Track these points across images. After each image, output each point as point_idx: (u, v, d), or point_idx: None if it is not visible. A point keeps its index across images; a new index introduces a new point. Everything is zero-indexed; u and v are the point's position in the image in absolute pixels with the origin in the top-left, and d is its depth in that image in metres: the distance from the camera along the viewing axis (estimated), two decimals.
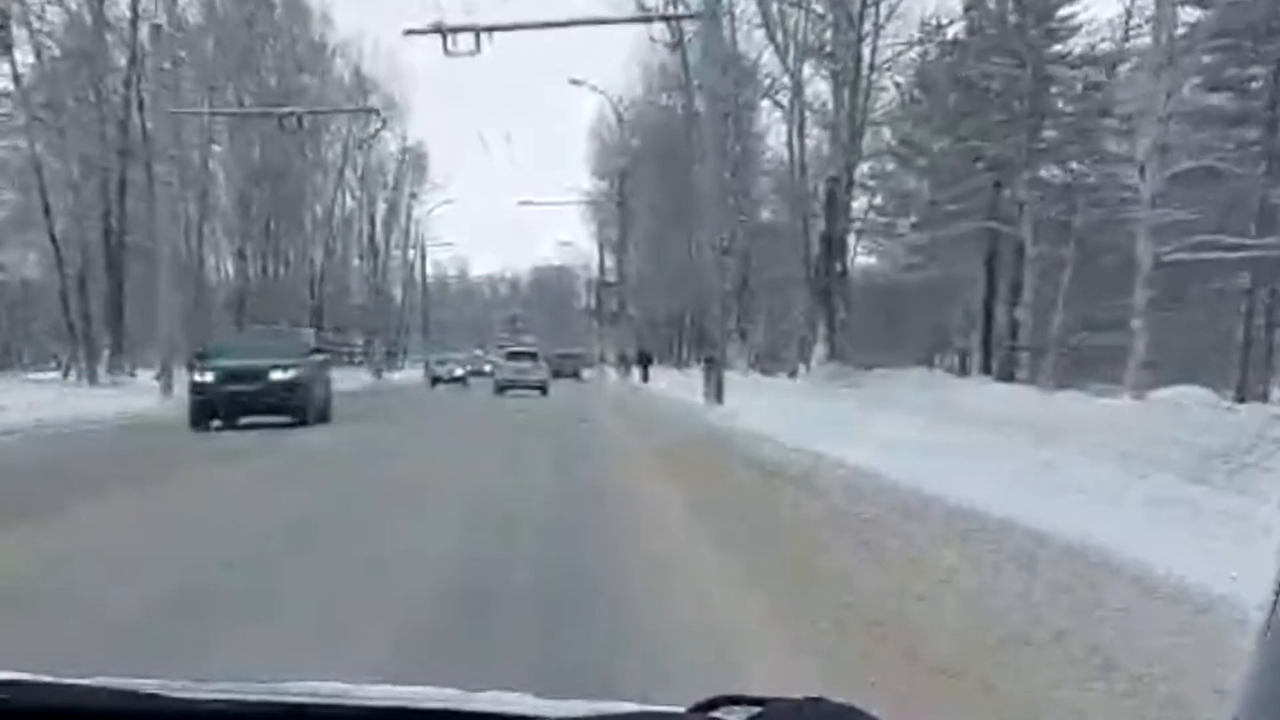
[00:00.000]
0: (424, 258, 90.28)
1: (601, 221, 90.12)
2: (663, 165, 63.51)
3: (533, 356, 48.25)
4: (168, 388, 32.49)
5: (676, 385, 42.34)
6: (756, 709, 1.28)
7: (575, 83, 56.74)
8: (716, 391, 25.98)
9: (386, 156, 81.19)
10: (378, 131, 65.17)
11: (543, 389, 43.56)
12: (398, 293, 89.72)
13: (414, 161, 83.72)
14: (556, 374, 52.99)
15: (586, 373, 68.95)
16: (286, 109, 42.15)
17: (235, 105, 51.26)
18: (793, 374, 41.60)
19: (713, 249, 28.65)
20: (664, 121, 64.36)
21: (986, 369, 31.28)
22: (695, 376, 47.09)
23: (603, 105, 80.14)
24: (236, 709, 1.36)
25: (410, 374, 73.60)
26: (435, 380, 59.27)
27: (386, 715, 1.34)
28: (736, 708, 1.30)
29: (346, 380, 55.39)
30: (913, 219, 40.60)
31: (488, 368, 67.45)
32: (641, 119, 70.39)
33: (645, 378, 48.39)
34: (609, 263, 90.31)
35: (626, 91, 69.72)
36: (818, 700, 1.27)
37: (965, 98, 34.95)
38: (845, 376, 31.03)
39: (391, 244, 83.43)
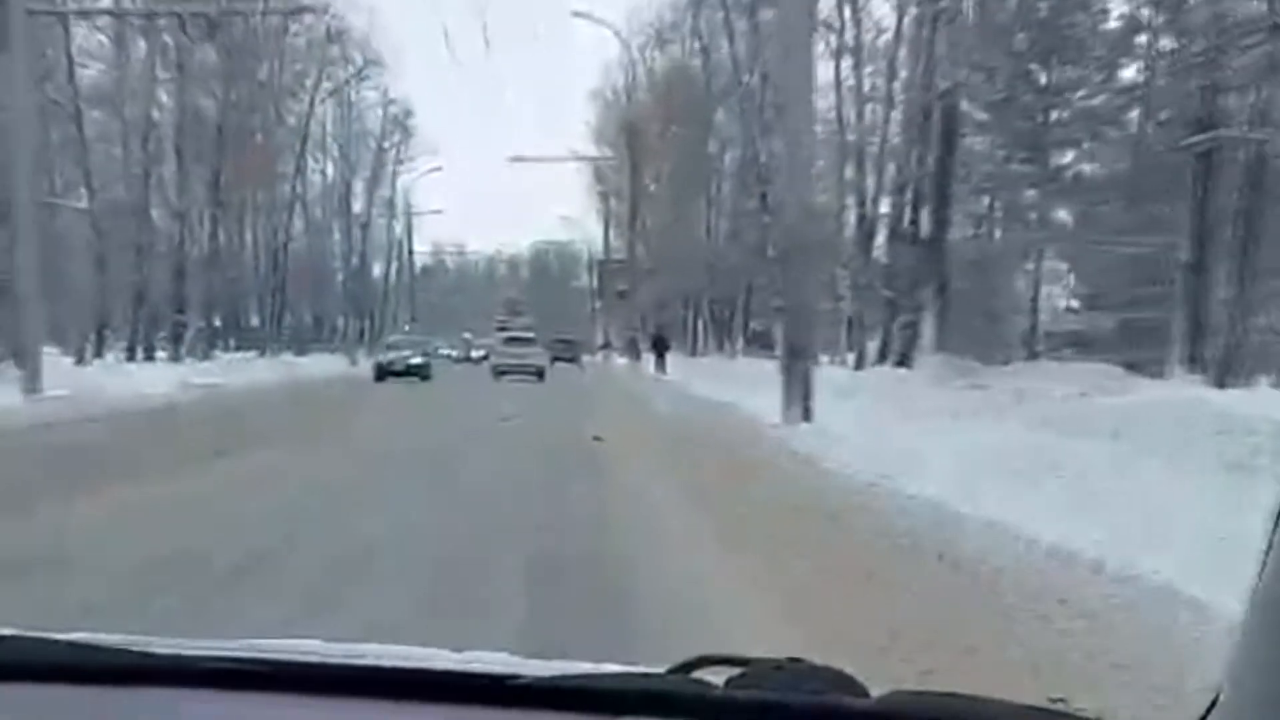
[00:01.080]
0: (410, 231, 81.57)
1: (605, 193, 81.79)
2: (676, 124, 55.09)
3: (530, 342, 48.75)
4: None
5: (701, 376, 34.02)
6: (737, 669, 1.29)
7: (579, 15, 48.50)
8: (802, 400, 16.83)
9: (368, 116, 72.65)
10: (333, 37, 56.06)
11: (540, 374, 43.59)
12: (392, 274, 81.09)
13: (399, 123, 75.10)
14: (555, 360, 52.48)
15: (587, 359, 65.64)
16: (194, 9, 33.54)
17: (166, 41, 42.37)
18: (858, 365, 33.07)
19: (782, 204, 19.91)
20: (677, 72, 56.03)
21: (1192, 364, 22.24)
22: (729, 368, 39.07)
23: (607, 67, 71.81)
24: (223, 666, 1.37)
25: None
26: (382, 373, 42.97)
27: (369, 674, 1.37)
28: (717, 667, 1.31)
29: (311, 367, 47.79)
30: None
31: (477, 354, 59.74)
32: (650, 76, 62.29)
33: (662, 367, 40.01)
34: (614, 240, 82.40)
35: (633, 40, 61.43)
36: (797, 660, 1.31)
37: None
38: (963, 374, 22.40)
39: (374, 215, 74.54)
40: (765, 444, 15.38)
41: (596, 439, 16.96)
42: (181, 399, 26.68)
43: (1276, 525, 0.96)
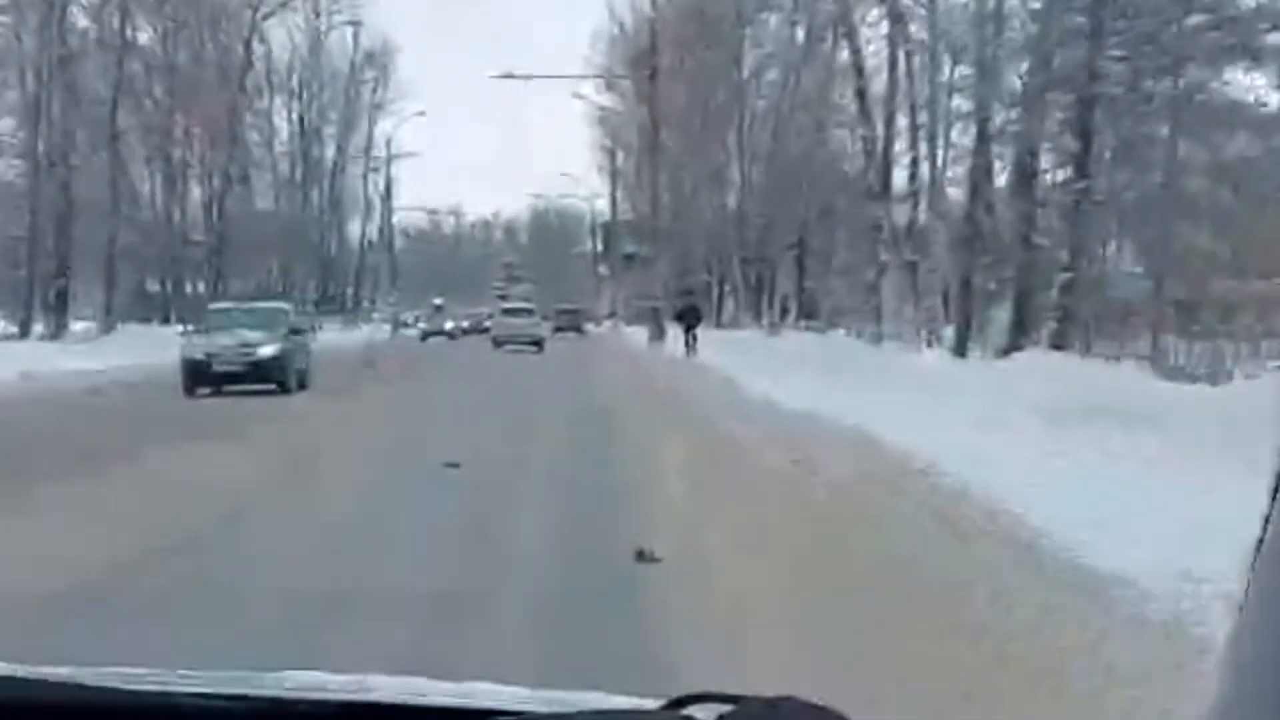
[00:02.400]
0: (389, 187, 72.28)
1: (612, 149, 72.73)
2: (697, 47, 45.95)
3: (529, 313, 49.12)
4: None
5: (743, 358, 25.24)
6: (728, 707, 1.28)
7: None
8: None
9: (341, 55, 63.48)
10: None
11: (539, 345, 43.81)
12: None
13: (375, 60, 65.82)
14: (556, 330, 53.39)
15: (592, 329, 63.64)
16: None
17: None
18: (961, 349, 24.07)
19: None
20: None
21: None
22: (775, 347, 30.34)
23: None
24: (214, 703, 1.34)
25: (355, 337, 56.57)
26: (195, 376, 24.12)
27: (366, 710, 1.35)
28: (708, 705, 1.30)
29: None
30: None
31: (451, 324, 51.51)
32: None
33: (691, 345, 30.99)
34: (621, 201, 73.77)
35: None
36: (789, 699, 1.29)
37: None
38: (1073, 377, 13.96)
39: (347, 164, 65.36)
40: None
41: (644, 557, 7.73)
42: None
43: (1265, 532, 0.91)
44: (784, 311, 41.79)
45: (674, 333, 33.48)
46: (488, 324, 60.37)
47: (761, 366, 22.80)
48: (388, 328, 63.11)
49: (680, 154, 48.35)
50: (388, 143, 69.59)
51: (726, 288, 47.60)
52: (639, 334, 50.33)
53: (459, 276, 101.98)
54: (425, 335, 54.97)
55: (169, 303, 49.58)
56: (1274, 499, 0.90)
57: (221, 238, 49.85)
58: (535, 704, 1.36)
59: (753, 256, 42.76)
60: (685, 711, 1.31)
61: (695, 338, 31.87)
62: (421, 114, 66.80)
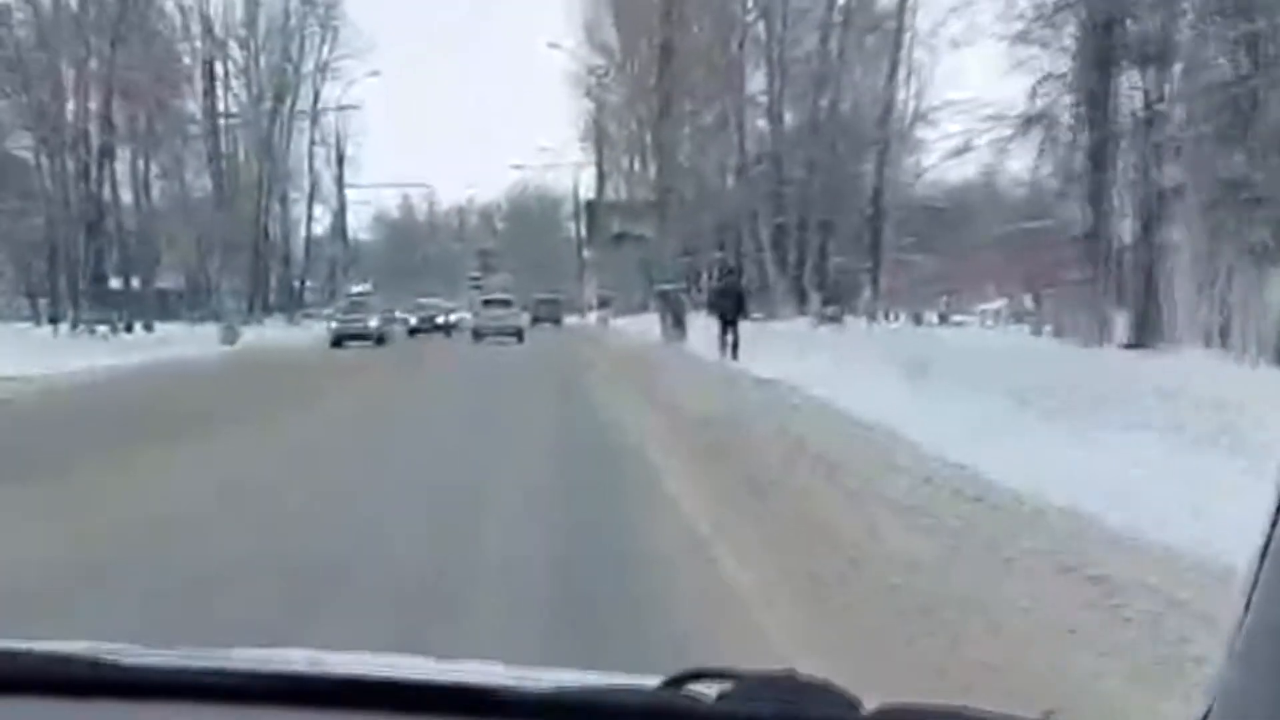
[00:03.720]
0: (341, 158, 62.27)
1: (598, 119, 63.45)
2: None
3: (508, 304, 49.37)
4: None
5: (812, 365, 16.10)
6: (728, 682, 1.28)
7: None
8: None
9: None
10: None
11: (519, 336, 44.69)
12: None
13: (320, 14, 56.11)
14: (535, 320, 53.25)
15: (576, 321, 61.84)
16: None
17: None
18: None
19: None
20: None
21: None
22: (849, 349, 21.10)
23: None
24: (199, 678, 1.36)
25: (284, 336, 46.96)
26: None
27: (352, 686, 1.35)
28: (708, 681, 1.30)
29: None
30: None
31: (377, 322, 41.17)
32: None
33: (731, 346, 21.36)
34: (611, 174, 64.39)
35: None
36: (789, 673, 1.30)
37: None
38: None
39: (286, 131, 55.68)
40: None
41: None
42: None
43: (1266, 548, 0.93)
44: (828, 299, 32.37)
45: (704, 325, 23.98)
46: (451, 319, 56.19)
47: (894, 392, 13.39)
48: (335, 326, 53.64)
49: (691, 99, 38.72)
50: (338, 122, 59.98)
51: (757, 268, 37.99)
52: (638, 326, 41.06)
53: (434, 266, 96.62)
54: (338, 339, 40.35)
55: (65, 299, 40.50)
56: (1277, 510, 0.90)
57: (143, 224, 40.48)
58: (532, 683, 1.34)
59: (791, 225, 33.22)
60: (686, 689, 1.30)
61: (736, 333, 22.46)
62: (376, 74, 57.09)
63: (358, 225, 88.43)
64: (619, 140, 66.42)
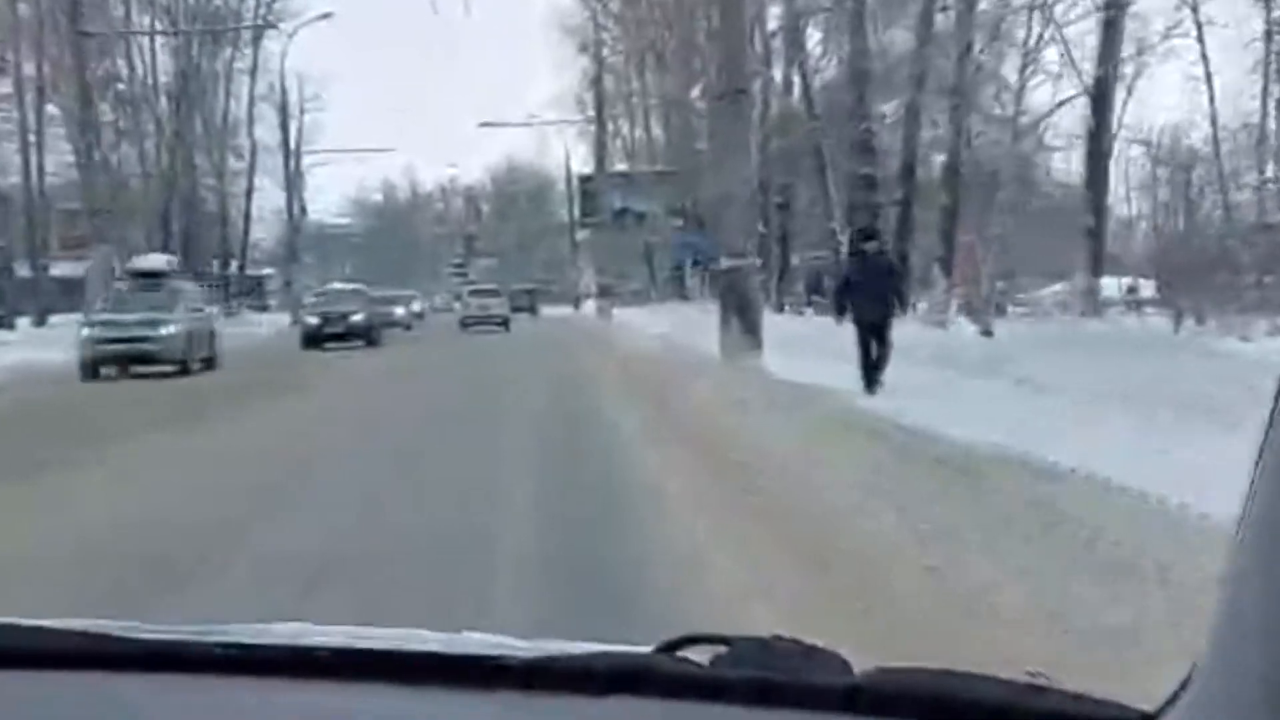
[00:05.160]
0: (288, 123, 52.26)
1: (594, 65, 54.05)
2: None
3: (495, 294, 52.11)
4: None
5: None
6: (722, 648, 1.31)
7: None
8: None
9: None
10: None
11: (505, 324, 47.07)
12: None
13: None
14: (515, 309, 53.39)
15: (570, 310, 61.47)
16: None
17: None
18: None
19: None
20: None
21: None
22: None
23: None
24: (206, 651, 1.38)
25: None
26: None
27: (355, 657, 1.37)
28: (702, 646, 1.32)
29: None
30: None
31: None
32: None
33: (876, 369, 12.00)
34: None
35: None
36: (782, 638, 1.32)
37: None
38: None
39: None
40: None
41: None
42: None
43: (1251, 493, 0.94)
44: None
45: (776, 326, 14.64)
46: (415, 309, 53.80)
47: None
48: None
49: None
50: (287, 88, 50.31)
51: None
52: (651, 323, 31.72)
53: (415, 252, 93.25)
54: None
55: None
56: (1258, 465, 0.92)
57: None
58: (525, 651, 1.36)
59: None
60: (680, 654, 1.32)
61: (885, 349, 13.03)
62: (327, 16, 47.25)
63: (335, 210, 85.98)
64: (619, 104, 57.19)
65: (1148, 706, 1.16)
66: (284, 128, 49.82)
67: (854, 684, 1.25)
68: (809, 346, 16.62)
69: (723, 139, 18.84)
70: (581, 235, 67.90)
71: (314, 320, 34.42)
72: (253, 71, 50.35)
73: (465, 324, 47.02)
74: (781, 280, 35.38)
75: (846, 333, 14.22)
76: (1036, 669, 1.38)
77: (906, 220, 27.20)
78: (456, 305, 58.13)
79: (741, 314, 16.05)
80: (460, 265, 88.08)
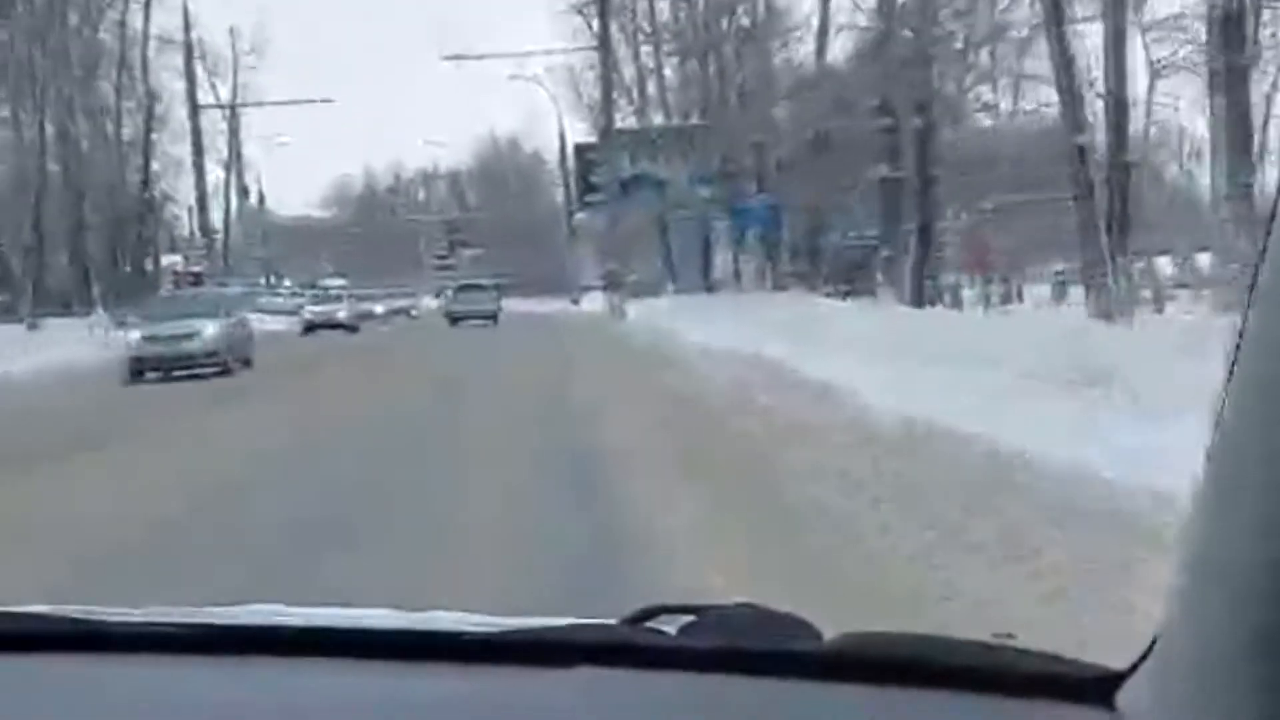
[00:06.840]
0: (192, 63, 41.54)
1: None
2: None
3: (483, 288, 53.17)
4: None
5: None
6: (690, 617, 1.31)
7: None
8: None
9: None
10: None
11: (494, 318, 47.63)
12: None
13: None
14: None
15: (569, 306, 58.00)
16: None
17: None
18: None
19: None
20: None
21: None
22: None
23: None
24: (177, 631, 1.40)
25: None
26: None
27: (324, 635, 1.40)
28: (670, 615, 1.33)
29: None
30: None
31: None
32: None
33: None
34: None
35: None
36: (748, 605, 1.33)
37: None
38: None
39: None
40: None
41: None
42: None
43: (1208, 455, 0.93)
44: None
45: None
46: (379, 310, 54.74)
47: None
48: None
49: None
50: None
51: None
52: (690, 326, 21.53)
53: (399, 243, 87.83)
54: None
55: None
56: (1215, 428, 0.92)
57: None
58: (493, 627, 1.36)
59: None
60: (648, 624, 1.33)
61: None
62: None
63: (314, 202, 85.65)
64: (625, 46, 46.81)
65: (1119, 665, 1.14)
66: (189, 76, 39.08)
67: (823, 650, 1.26)
68: None
69: None
70: (579, 218, 58.98)
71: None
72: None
73: (454, 319, 48.47)
74: (924, 263, 25.18)
75: None
76: (1005, 631, 1.36)
77: None
78: (435, 303, 58.74)
79: None
80: (445, 257, 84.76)
